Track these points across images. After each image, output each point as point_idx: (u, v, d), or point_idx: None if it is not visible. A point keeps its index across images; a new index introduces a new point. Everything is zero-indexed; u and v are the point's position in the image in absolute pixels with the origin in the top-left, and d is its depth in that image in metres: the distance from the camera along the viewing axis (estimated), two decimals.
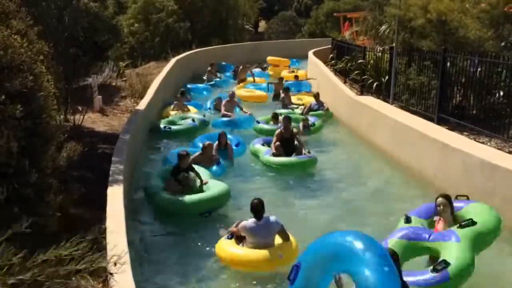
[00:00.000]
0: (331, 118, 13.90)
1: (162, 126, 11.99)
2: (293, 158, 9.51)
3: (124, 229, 5.24)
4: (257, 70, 22.86)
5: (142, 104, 12.17)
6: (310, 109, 14.04)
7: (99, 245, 5.12)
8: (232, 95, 14.14)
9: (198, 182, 7.88)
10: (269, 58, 24.88)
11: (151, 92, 13.57)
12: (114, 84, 17.22)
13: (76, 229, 3.37)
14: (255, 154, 10.25)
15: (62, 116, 9.69)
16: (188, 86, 17.93)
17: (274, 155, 9.65)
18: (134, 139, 9.50)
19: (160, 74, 17.15)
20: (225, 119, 12.86)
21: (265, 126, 12.21)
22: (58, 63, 8.95)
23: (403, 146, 9.63)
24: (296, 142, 9.84)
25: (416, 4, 12.07)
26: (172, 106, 13.86)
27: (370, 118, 11.38)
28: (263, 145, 10.45)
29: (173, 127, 11.95)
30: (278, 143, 9.81)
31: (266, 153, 9.86)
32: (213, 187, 7.67)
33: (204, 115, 12.91)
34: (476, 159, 7.28)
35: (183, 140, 11.36)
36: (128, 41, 26.33)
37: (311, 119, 12.46)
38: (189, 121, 12.31)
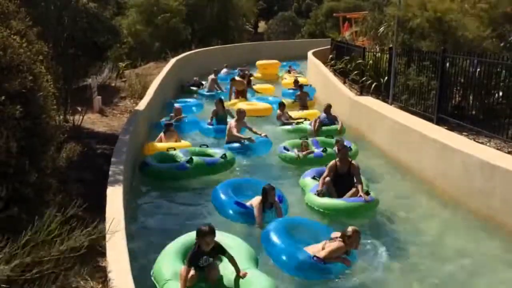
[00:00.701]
0: (344, 134, 11.45)
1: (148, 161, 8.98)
2: (343, 201, 7.13)
3: (123, 230, 5.24)
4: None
5: (142, 105, 12.16)
6: (322, 123, 11.71)
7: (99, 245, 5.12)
8: (242, 114, 10.98)
9: (231, 273, 5.03)
10: (258, 62, 23.60)
11: (150, 93, 13.58)
12: (113, 84, 17.22)
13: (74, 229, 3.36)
14: (304, 190, 7.99)
15: (61, 117, 9.68)
16: (176, 105, 13.67)
17: (319, 194, 7.35)
18: (134, 139, 9.49)
19: (159, 74, 17.15)
20: (235, 144, 10.34)
21: (293, 154, 9.64)
22: (57, 63, 8.95)
23: (402, 147, 9.63)
24: (354, 179, 7.39)
25: (415, 4, 12.09)
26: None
27: (370, 119, 11.38)
28: (314, 178, 8.08)
29: (158, 165, 8.78)
30: (328, 178, 7.50)
31: (312, 190, 7.55)
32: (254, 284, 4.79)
33: (225, 155, 9.22)
34: (475, 159, 7.28)
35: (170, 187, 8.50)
36: (128, 42, 26.35)
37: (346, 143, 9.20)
38: (182, 160, 9.04)
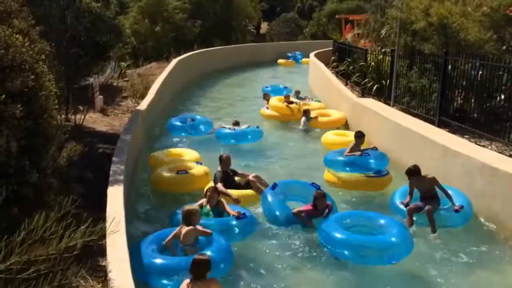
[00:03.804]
0: None
1: None
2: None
3: (124, 229, 5.24)
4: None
5: (143, 105, 12.17)
6: None
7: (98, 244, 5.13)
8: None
9: None
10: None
11: (152, 93, 13.59)
12: (115, 84, 17.24)
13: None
14: None
15: (63, 116, 9.69)
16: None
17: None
18: (135, 139, 9.49)
19: (161, 74, 17.17)
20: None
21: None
22: (59, 62, 8.97)
23: (403, 149, 9.62)
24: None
25: (418, 7, 12.08)
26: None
27: (371, 121, 11.37)
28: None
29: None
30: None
31: None
32: None
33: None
34: (476, 162, 7.27)
35: None
36: (130, 41, 26.39)
37: None
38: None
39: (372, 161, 8.54)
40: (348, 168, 8.52)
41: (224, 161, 8.01)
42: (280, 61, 28.90)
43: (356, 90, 14.67)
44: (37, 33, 5.26)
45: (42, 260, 2.94)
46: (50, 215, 3.05)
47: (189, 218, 5.57)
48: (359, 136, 9.09)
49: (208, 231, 5.68)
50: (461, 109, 10.30)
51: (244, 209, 6.80)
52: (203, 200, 6.80)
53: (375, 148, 9.05)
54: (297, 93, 16.01)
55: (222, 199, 6.91)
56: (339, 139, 10.87)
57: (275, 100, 14.14)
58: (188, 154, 9.51)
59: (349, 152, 8.77)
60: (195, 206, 6.10)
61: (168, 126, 12.08)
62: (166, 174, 8.16)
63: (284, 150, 11.11)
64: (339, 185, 8.47)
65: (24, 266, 2.92)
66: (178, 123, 11.97)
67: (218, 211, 6.71)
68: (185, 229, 5.49)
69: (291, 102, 13.78)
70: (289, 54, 30.88)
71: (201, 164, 8.70)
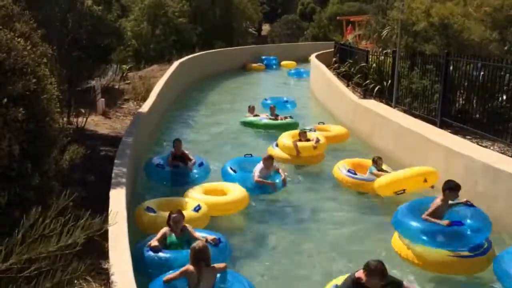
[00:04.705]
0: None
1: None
2: None
3: (126, 232, 5.24)
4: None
5: (145, 107, 12.18)
6: None
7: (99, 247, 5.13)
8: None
9: None
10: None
11: (154, 95, 13.60)
12: (117, 87, 17.26)
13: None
14: None
15: (65, 119, 9.71)
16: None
17: None
18: (137, 141, 9.49)
19: (163, 77, 17.19)
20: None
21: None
22: (61, 66, 8.99)
23: (405, 150, 9.61)
24: None
25: (419, 8, 12.07)
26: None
27: (373, 122, 11.37)
28: None
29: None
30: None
31: None
32: None
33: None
34: (478, 163, 7.26)
35: None
36: (132, 44, 26.44)
37: None
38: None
39: (468, 233, 5.71)
40: (426, 239, 5.75)
41: None
42: (253, 65, 29.11)
43: (357, 91, 14.67)
44: (39, 36, 5.27)
45: (42, 258, 2.94)
46: (48, 211, 3.05)
47: (207, 255, 4.88)
48: (451, 188, 6.09)
49: (222, 265, 5.04)
50: (463, 110, 10.28)
51: (215, 233, 6.06)
52: (165, 229, 5.79)
53: (468, 203, 6.22)
54: (272, 109, 13.39)
55: (187, 225, 5.91)
56: (398, 184, 7.79)
57: (286, 138, 10.15)
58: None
59: (431, 213, 5.96)
60: (203, 242, 5.16)
61: (147, 169, 8.83)
62: (137, 207, 6.83)
63: (319, 209, 8.02)
64: (415, 263, 5.88)
65: (24, 264, 2.92)
66: (161, 165, 8.66)
67: (186, 239, 5.78)
68: (205, 271, 4.78)
69: (308, 140, 10.06)
70: (263, 57, 30.93)
71: (197, 210, 6.72)
